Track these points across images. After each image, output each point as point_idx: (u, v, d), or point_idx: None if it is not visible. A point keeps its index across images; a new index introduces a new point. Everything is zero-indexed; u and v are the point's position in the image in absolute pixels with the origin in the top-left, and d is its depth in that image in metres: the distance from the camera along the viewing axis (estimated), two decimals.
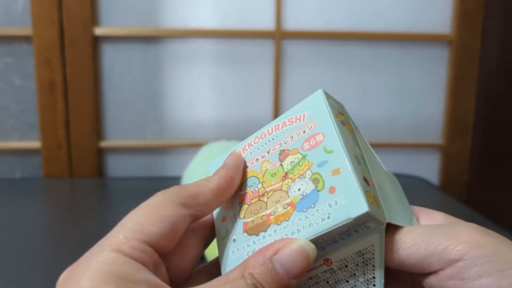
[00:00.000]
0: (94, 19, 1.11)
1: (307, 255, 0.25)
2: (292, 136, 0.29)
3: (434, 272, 0.26)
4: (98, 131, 1.16)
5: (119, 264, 0.23)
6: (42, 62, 1.10)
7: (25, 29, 1.10)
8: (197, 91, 1.18)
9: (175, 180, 0.82)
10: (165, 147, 1.20)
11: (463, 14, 1.17)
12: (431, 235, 0.26)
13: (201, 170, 0.77)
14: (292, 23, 1.16)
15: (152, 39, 1.15)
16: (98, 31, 1.11)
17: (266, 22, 1.15)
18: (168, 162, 1.21)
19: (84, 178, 1.15)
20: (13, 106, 1.15)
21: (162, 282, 0.24)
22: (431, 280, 0.26)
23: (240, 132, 1.19)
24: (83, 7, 1.08)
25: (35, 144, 1.15)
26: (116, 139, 1.19)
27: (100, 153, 1.18)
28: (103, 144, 1.17)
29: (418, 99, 1.23)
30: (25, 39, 1.12)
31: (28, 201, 0.96)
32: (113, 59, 1.15)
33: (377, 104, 1.22)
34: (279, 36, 1.15)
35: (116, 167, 1.20)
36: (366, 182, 0.26)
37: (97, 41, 1.13)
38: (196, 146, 0.87)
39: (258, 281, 0.24)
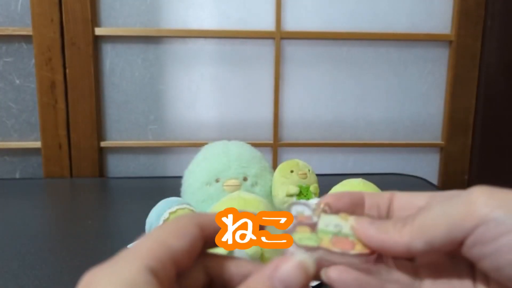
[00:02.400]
0: (94, 19, 1.11)
1: (305, 269, 0.26)
2: None
3: (461, 244, 0.26)
4: (98, 131, 1.16)
5: (139, 284, 0.23)
6: (42, 62, 1.10)
7: (25, 29, 1.10)
8: (197, 91, 1.18)
9: (175, 180, 0.82)
10: (165, 147, 1.20)
11: (463, 14, 1.17)
12: (444, 211, 0.27)
13: (201, 170, 0.77)
14: (292, 23, 1.16)
15: (152, 39, 1.15)
16: (99, 31, 1.11)
17: (266, 23, 1.15)
18: (168, 162, 1.21)
19: (84, 178, 1.15)
20: (13, 106, 1.15)
21: None
22: (467, 251, 0.26)
23: (241, 132, 1.19)
24: (83, 7, 1.08)
25: (35, 144, 1.15)
26: (117, 139, 1.19)
27: (101, 153, 1.18)
28: (104, 144, 1.17)
29: (418, 99, 1.23)
30: (25, 38, 1.12)
31: (28, 201, 0.96)
32: (113, 59, 1.15)
33: (377, 104, 1.22)
34: (279, 37, 1.15)
35: (117, 167, 1.20)
36: None
37: (97, 41, 1.13)
38: (196, 146, 0.87)
39: None
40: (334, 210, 0.32)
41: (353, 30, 1.17)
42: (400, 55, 1.20)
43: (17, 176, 1.18)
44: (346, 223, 0.31)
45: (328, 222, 0.31)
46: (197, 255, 0.27)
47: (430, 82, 1.22)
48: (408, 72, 1.21)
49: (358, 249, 0.30)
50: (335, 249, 0.30)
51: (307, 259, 0.26)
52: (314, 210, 0.32)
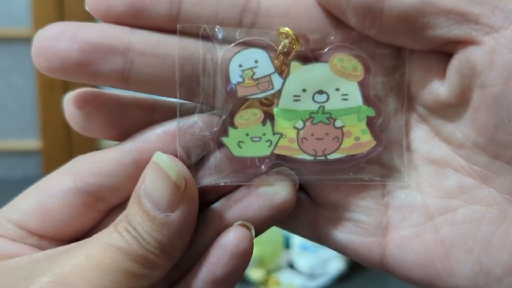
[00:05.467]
0: (94, 19, 1.11)
1: (167, 176, 0.18)
2: None
3: (472, 41, 0.16)
4: None
5: None
6: None
7: (26, 29, 1.10)
8: None
9: None
10: None
11: None
12: None
13: None
14: None
15: None
16: None
17: None
18: None
19: None
20: (13, 106, 1.15)
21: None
22: (467, 53, 0.16)
23: None
24: (83, 8, 1.08)
25: (35, 144, 1.15)
26: None
27: None
28: (104, 144, 1.17)
29: None
30: (26, 39, 1.12)
31: None
32: None
33: None
34: None
35: None
36: None
37: None
38: None
39: (131, 223, 0.18)
40: (317, 48, 0.18)
41: None
42: None
43: (17, 176, 1.18)
44: (343, 83, 0.17)
45: (302, 84, 0.17)
46: (77, 216, 0.20)
47: None
48: None
49: (348, 145, 0.18)
50: (302, 155, 0.18)
51: (168, 162, 0.18)
52: (277, 56, 0.17)
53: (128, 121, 0.20)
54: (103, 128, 0.21)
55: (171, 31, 0.18)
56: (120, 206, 0.20)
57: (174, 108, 0.19)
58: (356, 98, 0.17)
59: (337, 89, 0.17)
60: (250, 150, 0.18)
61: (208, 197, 0.20)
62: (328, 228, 0.20)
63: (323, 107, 0.17)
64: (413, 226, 0.19)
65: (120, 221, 0.18)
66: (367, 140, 0.18)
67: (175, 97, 0.19)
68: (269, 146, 0.18)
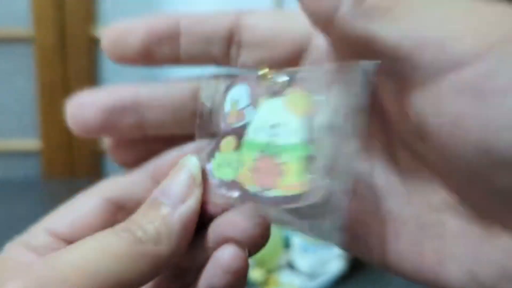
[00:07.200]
0: (94, 20, 1.11)
1: (188, 173, 0.19)
2: None
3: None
4: None
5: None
6: (43, 62, 1.10)
7: (26, 30, 1.10)
8: None
9: None
10: None
11: None
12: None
13: None
14: None
15: None
16: (99, 31, 1.11)
17: None
18: None
19: (84, 179, 1.15)
20: (13, 106, 1.15)
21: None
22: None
23: None
24: (83, 8, 1.08)
25: (35, 144, 1.15)
26: None
27: (100, 154, 1.18)
28: (104, 144, 1.17)
29: None
30: (26, 39, 1.12)
31: (28, 201, 0.96)
32: None
33: None
34: None
35: (116, 168, 1.20)
36: None
37: (97, 41, 1.13)
38: None
39: (142, 226, 0.18)
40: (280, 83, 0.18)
41: None
42: None
43: (17, 176, 1.18)
44: (292, 117, 0.17)
45: (265, 118, 0.18)
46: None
47: None
48: None
49: (288, 183, 0.17)
50: (252, 186, 0.17)
51: (193, 165, 0.19)
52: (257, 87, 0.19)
53: (147, 154, 0.23)
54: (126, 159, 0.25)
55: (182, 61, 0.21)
56: None
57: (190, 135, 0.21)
58: (301, 134, 0.17)
59: (285, 124, 0.17)
60: (224, 173, 0.19)
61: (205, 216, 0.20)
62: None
63: (272, 141, 0.17)
64: (408, 239, 0.18)
65: (128, 222, 0.19)
66: (302, 182, 0.16)
67: (188, 132, 0.20)
68: (235, 172, 0.18)
